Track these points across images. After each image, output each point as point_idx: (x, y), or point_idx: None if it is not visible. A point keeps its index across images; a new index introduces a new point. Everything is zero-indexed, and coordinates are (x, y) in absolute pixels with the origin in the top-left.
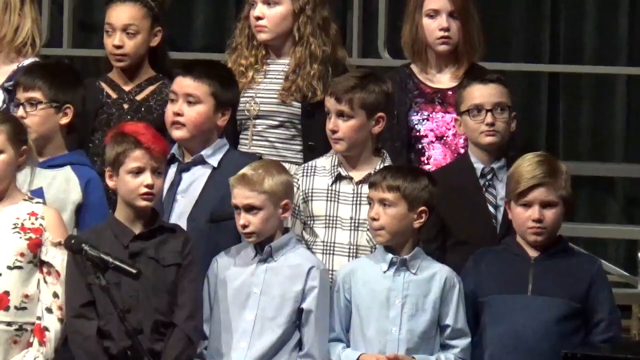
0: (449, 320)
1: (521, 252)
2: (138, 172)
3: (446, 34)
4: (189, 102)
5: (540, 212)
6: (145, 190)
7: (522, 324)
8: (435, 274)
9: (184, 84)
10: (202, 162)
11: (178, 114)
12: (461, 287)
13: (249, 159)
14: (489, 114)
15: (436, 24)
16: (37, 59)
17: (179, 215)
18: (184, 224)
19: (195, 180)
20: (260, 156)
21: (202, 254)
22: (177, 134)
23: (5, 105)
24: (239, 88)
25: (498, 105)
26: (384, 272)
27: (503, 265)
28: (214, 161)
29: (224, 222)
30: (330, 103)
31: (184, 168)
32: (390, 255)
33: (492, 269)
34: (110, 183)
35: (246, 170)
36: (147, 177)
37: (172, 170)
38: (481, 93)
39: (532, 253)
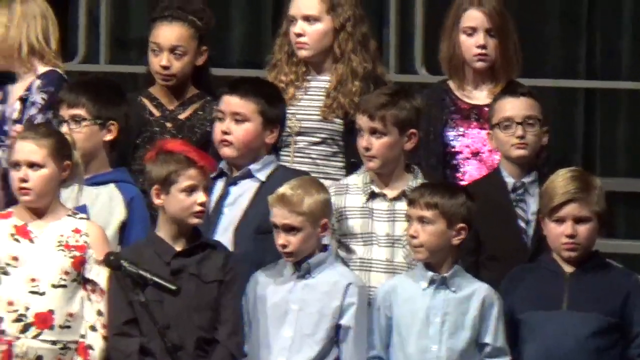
0: (488, 339)
1: (556, 268)
2: (192, 190)
3: (483, 51)
4: (236, 120)
5: (573, 227)
6: (199, 208)
7: (558, 339)
8: (475, 292)
9: (231, 102)
10: (250, 176)
11: (226, 133)
12: (500, 305)
13: (297, 176)
14: (519, 126)
15: (473, 41)
16: (53, 68)
17: (225, 228)
18: (230, 237)
19: (243, 193)
20: (308, 174)
21: (247, 266)
22: (225, 152)
23: (20, 115)
24: (285, 105)
25: (528, 119)
26: (424, 289)
27: (538, 281)
28: (262, 175)
29: (270, 235)
30: (362, 120)
31: (232, 182)
32: (430, 273)
33: (527, 286)
34: (158, 201)
35: (285, 189)
36: (200, 196)
37: (220, 184)
38: (512, 106)
39: (567, 269)
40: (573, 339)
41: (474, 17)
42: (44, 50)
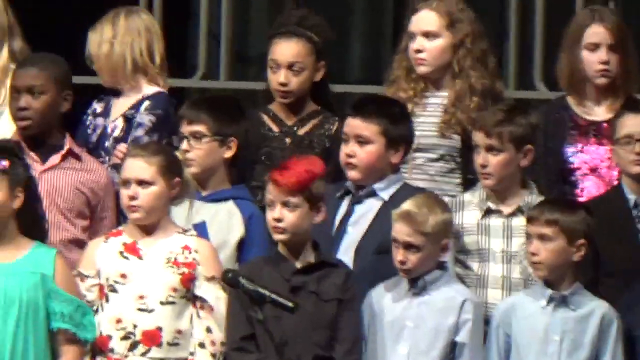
0: (607, 358)
1: None
2: (269, 206)
3: (606, 67)
4: (359, 142)
5: None
6: (273, 224)
7: None
8: (594, 310)
9: (353, 124)
10: (374, 194)
11: (350, 155)
12: (619, 323)
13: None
14: (638, 143)
15: (596, 57)
16: (161, 90)
17: (348, 246)
18: (352, 255)
19: (366, 212)
20: (432, 192)
21: (367, 285)
22: (351, 174)
23: (123, 134)
24: (411, 123)
25: None
26: (543, 307)
27: None
28: (386, 195)
29: (389, 255)
30: (478, 137)
31: (357, 200)
32: (549, 291)
33: None
34: None
35: (410, 206)
36: (275, 211)
37: (346, 202)
38: (632, 123)
39: None
40: None
41: (596, 33)
42: (147, 66)
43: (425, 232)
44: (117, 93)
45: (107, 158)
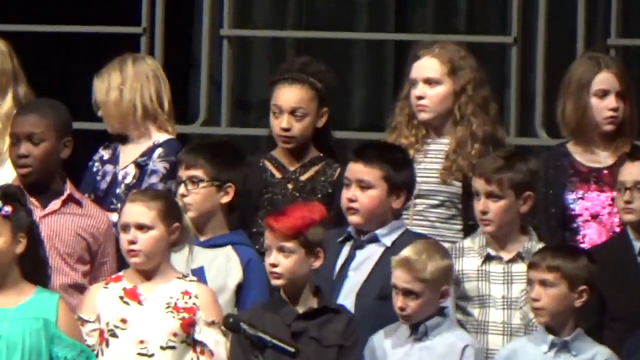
0: None
1: None
2: (267, 250)
3: (615, 113)
4: (361, 187)
5: None
6: (269, 269)
7: None
8: (595, 355)
9: (355, 169)
10: (376, 240)
11: (352, 200)
12: None
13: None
14: (628, 191)
15: (605, 103)
16: (171, 137)
17: (349, 291)
18: (353, 300)
19: (368, 258)
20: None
21: (369, 330)
22: (352, 219)
23: (135, 181)
24: (413, 168)
25: (638, 184)
26: (545, 353)
27: None
28: (388, 241)
29: (391, 301)
30: (479, 184)
31: (358, 245)
32: (551, 337)
33: None
34: None
35: (409, 253)
36: (271, 257)
37: (347, 247)
38: (627, 171)
39: None
40: None
41: (606, 79)
42: (156, 112)
43: (424, 278)
44: (121, 139)
45: (118, 205)
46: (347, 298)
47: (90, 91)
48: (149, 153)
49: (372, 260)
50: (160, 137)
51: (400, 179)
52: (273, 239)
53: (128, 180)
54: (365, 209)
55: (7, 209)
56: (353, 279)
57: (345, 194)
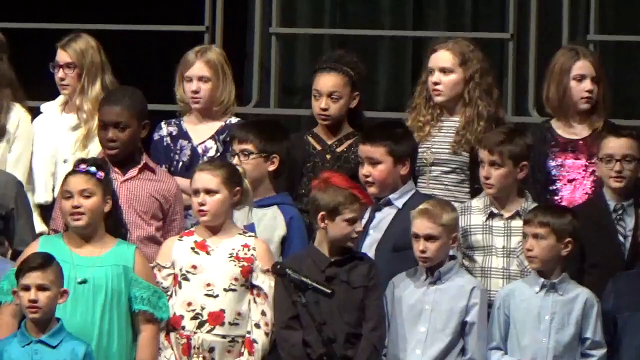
0: (588, 334)
1: None
2: (354, 221)
3: (590, 94)
4: (372, 163)
5: None
6: (356, 235)
7: None
8: (578, 295)
9: (364, 149)
10: (390, 203)
11: (366, 176)
12: (599, 306)
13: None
14: (618, 163)
15: (582, 86)
16: (238, 119)
17: (370, 245)
18: (373, 253)
19: (384, 218)
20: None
21: (386, 276)
22: (370, 190)
23: (219, 155)
24: (413, 138)
25: (627, 157)
26: (537, 293)
27: (637, 286)
28: (400, 203)
29: (405, 252)
30: (483, 154)
31: (377, 208)
32: (542, 280)
33: (627, 290)
34: (322, 225)
35: (426, 205)
36: (358, 225)
37: (368, 211)
38: (613, 145)
39: None
40: None
41: (583, 66)
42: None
43: (442, 223)
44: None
45: None
46: (368, 250)
47: (162, 78)
48: (223, 130)
49: (387, 220)
50: (228, 117)
51: (402, 149)
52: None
53: (211, 153)
54: (378, 180)
55: (101, 173)
56: (373, 235)
57: (361, 171)
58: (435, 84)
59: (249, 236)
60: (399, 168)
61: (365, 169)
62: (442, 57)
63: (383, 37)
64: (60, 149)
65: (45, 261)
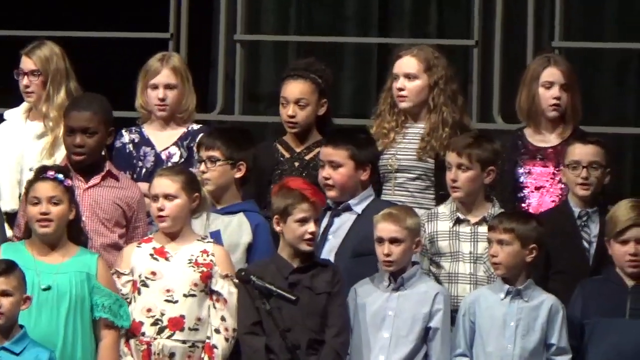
0: (553, 340)
1: (620, 282)
2: (304, 221)
3: (557, 102)
4: (332, 167)
5: (636, 247)
6: (309, 236)
7: (621, 344)
8: (543, 301)
9: (326, 152)
10: (349, 209)
11: (326, 178)
12: (564, 312)
13: (389, 206)
14: (584, 170)
15: (550, 93)
16: (201, 125)
17: (329, 251)
18: (332, 258)
19: (343, 224)
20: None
21: (345, 282)
22: (329, 194)
23: (183, 160)
24: (376, 145)
25: (593, 164)
26: (502, 299)
27: (604, 292)
28: (359, 209)
29: (364, 257)
30: (451, 157)
31: (336, 214)
32: (507, 286)
33: (594, 296)
34: (278, 228)
35: (390, 209)
36: (310, 226)
37: (327, 216)
38: (580, 152)
39: (629, 282)
40: (635, 344)
41: (552, 73)
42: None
43: (406, 227)
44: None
45: None
46: (328, 256)
47: (126, 85)
48: (186, 137)
49: (346, 225)
50: (190, 124)
51: (364, 155)
52: (313, 211)
53: (175, 159)
54: (339, 184)
55: (69, 181)
56: (332, 241)
57: (321, 173)
58: (400, 89)
59: (208, 242)
60: (359, 173)
61: (325, 172)
62: (407, 63)
63: (348, 44)
64: (26, 157)
65: (8, 267)
